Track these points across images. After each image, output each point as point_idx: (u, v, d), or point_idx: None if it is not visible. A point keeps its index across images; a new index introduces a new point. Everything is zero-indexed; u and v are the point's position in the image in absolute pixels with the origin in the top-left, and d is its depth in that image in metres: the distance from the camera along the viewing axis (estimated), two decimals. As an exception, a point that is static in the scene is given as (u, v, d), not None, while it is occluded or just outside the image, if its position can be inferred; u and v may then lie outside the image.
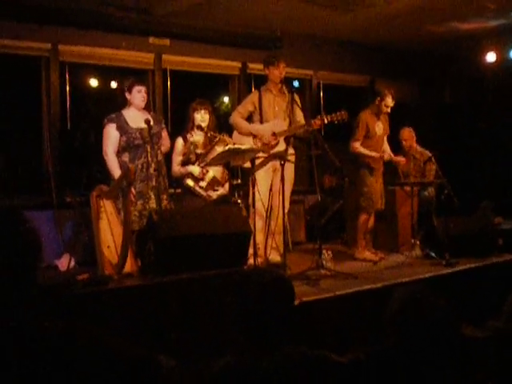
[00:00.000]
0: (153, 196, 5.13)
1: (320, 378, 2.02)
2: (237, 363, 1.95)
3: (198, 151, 5.71)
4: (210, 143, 5.72)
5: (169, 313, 4.16)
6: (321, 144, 5.66)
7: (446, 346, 2.27)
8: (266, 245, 5.79)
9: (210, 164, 5.59)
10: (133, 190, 4.92)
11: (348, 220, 7.41)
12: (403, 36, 8.40)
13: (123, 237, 4.55)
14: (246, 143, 5.81)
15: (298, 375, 1.97)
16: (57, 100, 6.65)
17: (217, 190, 5.78)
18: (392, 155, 6.75)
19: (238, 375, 1.93)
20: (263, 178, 5.77)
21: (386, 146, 6.82)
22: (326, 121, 5.72)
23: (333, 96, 8.88)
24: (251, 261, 5.21)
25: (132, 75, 6.17)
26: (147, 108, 5.51)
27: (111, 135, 5.21)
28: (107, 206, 4.88)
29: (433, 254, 6.19)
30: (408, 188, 6.89)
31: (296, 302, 2.38)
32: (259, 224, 5.72)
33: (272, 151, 5.84)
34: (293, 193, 6.19)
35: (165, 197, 5.34)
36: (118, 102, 5.50)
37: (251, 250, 5.20)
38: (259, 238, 5.64)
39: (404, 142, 7.52)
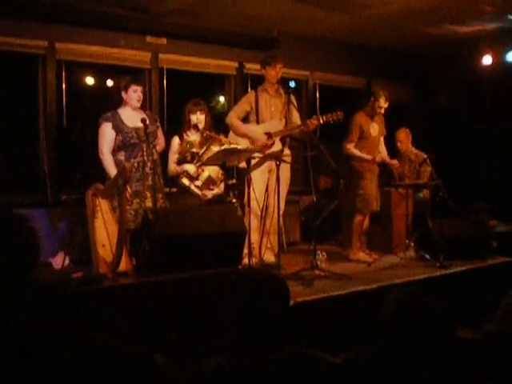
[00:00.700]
0: (149, 195, 5.13)
1: (314, 379, 2.02)
2: (229, 363, 1.94)
3: (194, 150, 5.71)
4: (206, 143, 5.72)
5: (163, 312, 4.16)
6: (316, 145, 5.67)
7: (441, 347, 2.27)
8: (261, 245, 5.79)
9: (206, 163, 5.59)
10: (129, 188, 4.92)
11: (343, 221, 7.41)
12: (400, 38, 8.41)
13: (118, 235, 4.55)
14: (242, 143, 5.82)
15: (292, 376, 1.97)
16: (53, 98, 6.64)
17: (212, 190, 5.78)
18: (386, 158, 6.76)
19: (229, 376, 1.93)
20: (259, 178, 5.77)
21: (382, 147, 6.83)
22: (321, 121, 5.73)
23: (329, 97, 8.88)
24: (246, 260, 5.23)
25: (128, 74, 6.16)
26: (143, 107, 5.51)
27: (107, 134, 5.21)
28: (103, 205, 4.87)
29: (427, 256, 6.21)
30: (403, 190, 6.91)
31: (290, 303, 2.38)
32: (254, 224, 5.71)
33: (268, 152, 5.84)
34: (288, 193, 6.20)
35: (160, 196, 5.33)
36: (114, 101, 5.49)
37: (246, 250, 5.21)
38: (254, 237, 5.63)
39: (399, 144, 7.54)
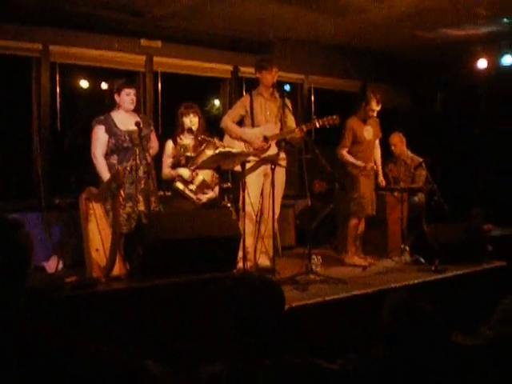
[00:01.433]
0: (141, 199, 5.11)
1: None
2: (226, 370, 1.92)
3: (188, 154, 5.69)
4: (200, 146, 5.70)
5: (157, 317, 4.14)
6: (311, 148, 5.66)
7: (436, 352, 2.25)
8: (256, 249, 5.78)
9: (200, 167, 5.57)
10: (122, 192, 4.90)
11: (339, 225, 7.39)
12: (395, 42, 8.41)
13: (112, 239, 4.53)
14: (237, 147, 5.80)
15: (288, 382, 1.95)
16: (47, 101, 6.60)
17: (206, 194, 5.77)
18: (377, 168, 6.73)
19: (227, 382, 1.91)
20: (254, 182, 5.75)
21: (377, 151, 6.82)
22: (317, 125, 5.72)
23: (324, 101, 8.88)
24: (241, 264, 5.21)
25: (123, 77, 6.14)
26: (137, 110, 5.48)
27: (100, 137, 5.19)
28: (96, 209, 4.86)
29: (422, 260, 6.19)
30: (398, 193, 6.90)
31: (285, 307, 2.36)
32: (249, 228, 5.69)
33: (263, 155, 5.83)
34: (283, 197, 6.18)
35: (154, 199, 5.32)
36: (107, 104, 5.47)
37: (241, 254, 5.20)
38: (249, 241, 5.61)
39: (393, 147, 7.54)
